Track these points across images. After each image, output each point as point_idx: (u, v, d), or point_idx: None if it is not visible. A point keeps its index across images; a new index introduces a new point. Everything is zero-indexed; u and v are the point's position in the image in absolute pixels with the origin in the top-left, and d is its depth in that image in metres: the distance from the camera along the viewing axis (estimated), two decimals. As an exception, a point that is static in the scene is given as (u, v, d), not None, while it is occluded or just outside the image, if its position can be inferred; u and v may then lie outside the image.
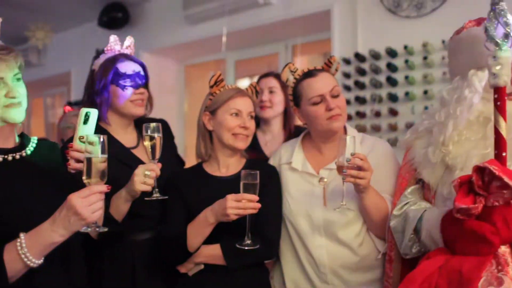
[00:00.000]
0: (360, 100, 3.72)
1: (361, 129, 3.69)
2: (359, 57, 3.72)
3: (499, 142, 1.39)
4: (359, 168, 1.73)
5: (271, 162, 2.14)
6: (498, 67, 1.37)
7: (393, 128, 3.57)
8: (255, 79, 2.98)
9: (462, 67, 1.66)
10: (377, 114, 3.64)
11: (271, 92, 2.69)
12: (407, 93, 3.51)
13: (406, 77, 3.51)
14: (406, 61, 3.51)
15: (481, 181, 1.35)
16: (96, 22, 5.20)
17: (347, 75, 3.82)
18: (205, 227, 1.82)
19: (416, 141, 1.79)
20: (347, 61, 3.81)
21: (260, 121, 2.75)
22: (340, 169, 1.75)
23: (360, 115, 3.73)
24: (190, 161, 2.28)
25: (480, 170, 1.34)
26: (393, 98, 3.57)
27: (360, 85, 3.74)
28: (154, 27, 5.15)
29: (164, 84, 5.39)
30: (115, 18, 5.11)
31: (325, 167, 1.99)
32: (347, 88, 3.81)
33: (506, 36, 1.38)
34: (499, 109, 1.38)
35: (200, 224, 1.83)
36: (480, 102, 1.58)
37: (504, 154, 1.38)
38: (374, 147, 2.00)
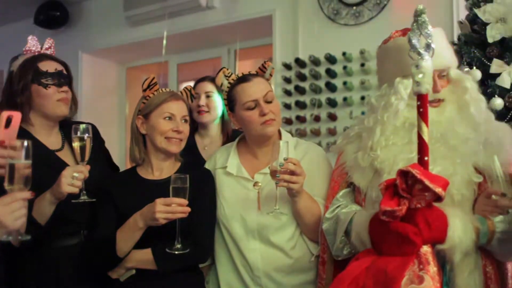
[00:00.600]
0: (300, 105, 3.78)
1: (301, 133, 3.75)
2: (299, 62, 3.79)
3: (421, 147, 1.44)
4: (292, 173, 1.76)
5: (207, 166, 2.13)
6: (420, 76, 1.42)
7: (332, 132, 3.65)
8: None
9: (389, 75, 1.72)
10: (317, 118, 3.72)
11: (208, 96, 2.68)
12: (345, 99, 3.60)
13: (345, 83, 3.60)
14: (345, 68, 3.60)
15: (405, 184, 1.40)
16: (33, 21, 5.00)
17: (287, 80, 3.87)
18: (134, 232, 1.79)
19: (348, 146, 1.84)
20: (288, 66, 3.87)
21: (198, 126, 2.74)
22: (273, 174, 1.77)
23: (300, 119, 3.79)
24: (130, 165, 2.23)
25: (403, 173, 1.39)
26: (332, 103, 3.65)
27: (300, 90, 3.80)
28: (94, 27, 5.01)
29: (104, 86, 5.26)
30: (53, 17, 4.92)
31: (259, 171, 2.01)
32: (288, 93, 3.86)
33: (427, 46, 1.44)
34: (422, 115, 1.44)
35: (130, 229, 1.80)
36: (406, 108, 1.65)
37: (426, 158, 1.44)
38: (307, 152, 2.04)
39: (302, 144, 2.09)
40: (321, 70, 3.72)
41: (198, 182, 1.93)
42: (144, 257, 1.84)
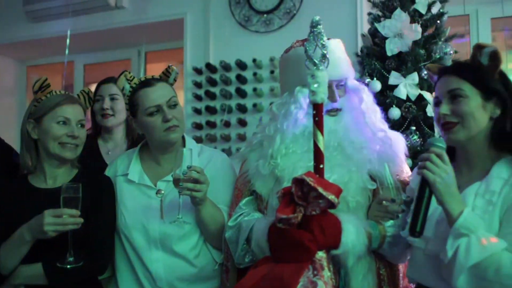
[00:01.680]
0: (211, 110, 3.77)
1: (211, 138, 3.73)
2: (210, 67, 3.77)
3: (317, 155, 1.48)
4: (196, 181, 1.72)
5: (107, 173, 2.03)
6: (315, 85, 1.46)
7: (242, 138, 3.67)
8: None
9: (290, 84, 1.75)
10: (227, 124, 3.72)
11: (112, 99, 2.57)
12: (255, 105, 3.64)
13: (255, 89, 3.64)
14: (255, 74, 3.64)
15: (301, 192, 1.43)
16: None
17: (198, 85, 3.84)
18: (21, 246, 1.66)
19: (251, 153, 1.84)
20: (198, 71, 3.84)
21: (101, 130, 2.63)
22: (176, 182, 1.72)
23: (210, 124, 3.77)
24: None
25: (299, 181, 1.42)
26: (242, 109, 3.67)
27: (210, 95, 3.78)
28: (-11, 21, 4.66)
29: (1, 84, 4.90)
30: None
31: (162, 179, 1.95)
32: (198, 97, 3.83)
33: (323, 56, 1.48)
34: (317, 124, 1.48)
35: (15, 242, 1.66)
36: (305, 117, 1.68)
37: (321, 166, 1.48)
38: (211, 159, 2.01)
39: (207, 151, 2.07)
40: (232, 75, 3.73)
41: (96, 190, 1.84)
42: (34, 273, 1.71)
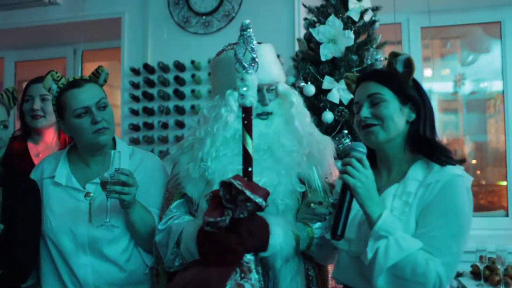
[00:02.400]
0: (148, 111, 3.71)
1: (148, 140, 3.67)
2: (148, 68, 3.71)
3: (246, 158, 1.48)
4: (124, 184, 1.69)
5: (33, 176, 1.95)
6: (245, 89, 1.47)
7: (179, 140, 3.59)
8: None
9: (221, 87, 1.76)
10: (165, 126, 3.67)
11: (43, 99, 2.46)
12: (193, 107, 3.61)
13: (193, 91, 3.61)
14: (193, 76, 3.62)
15: (229, 195, 1.43)
16: None
17: (135, 86, 3.77)
18: None
19: (182, 156, 1.82)
20: (136, 72, 3.76)
21: (31, 131, 2.52)
22: (104, 185, 1.68)
23: (148, 126, 3.70)
24: None
25: (227, 184, 1.42)
26: (180, 110, 3.64)
27: (148, 96, 3.72)
28: None
29: None
30: None
31: (92, 181, 1.90)
32: (135, 98, 3.76)
33: (252, 60, 1.49)
34: (246, 127, 1.48)
35: None
36: (236, 120, 1.69)
37: (250, 169, 1.48)
38: (143, 161, 1.98)
39: (138, 153, 2.03)
40: (170, 77, 3.69)
41: (20, 194, 1.76)
42: None
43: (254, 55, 1.49)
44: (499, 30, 3.73)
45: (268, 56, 1.77)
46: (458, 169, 1.43)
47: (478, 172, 4.31)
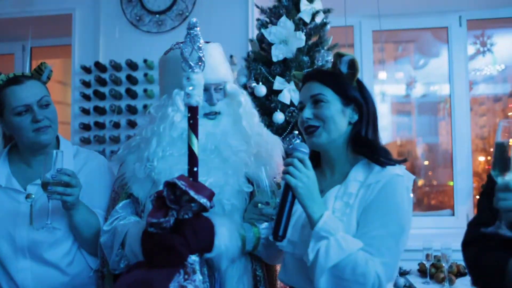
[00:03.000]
0: (99, 111, 3.62)
1: (99, 140, 3.59)
2: (99, 66, 3.62)
3: (191, 158, 1.46)
4: (66, 185, 1.64)
5: (-31, 177, 1.87)
6: (191, 88, 1.45)
7: (132, 140, 3.55)
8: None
9: (168, 86, 1.73)
10: (116, 125, 3.59)
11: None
12: (145, 106, 3.55)
13: (145, 90, 3.56)
14: (146, 75, 3.56)
15: (174, 196, 1.41)
16: None
17: (86, 84, 3.67)
18: None
19: (128, 156, 1.78)
20: (87, 70, 3.67)
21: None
22: (45, 186, 1.63)
23: (99, 125, 3.62)
24: None
25: (171, 185, 1.39)
26: (132, 110, 3.57)
27: (99, 95, 3.63)
28: None
29: None
30: None
31: (33, 182, 1.83)
32: (86, 97, 3.66)
33: (199, 59, 1.48)
34: (192, 127, 1.46)
35: None
36: (183, 120, 1.66)
37: (195, 169, 1.46)
38: (88, 161, 1.93)
39: (83, 153, 1.97)
40: (122, 76, 3.62)
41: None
42: None
43: (201, 54, 1.47)
44: (446, 35, 3.86)
45: (216, 55, 1.76)
46: (398, 169, 1.44)
47: (430, 173, 4.45)
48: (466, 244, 1.48)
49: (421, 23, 3.93)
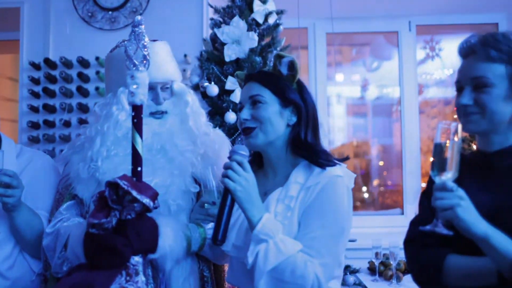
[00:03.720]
0: (49, 109, 3.51)
1: (49, 139, 3.48)
2: (49, 63, 3.51)
3: (135, 157, 1.45)
4: (7, 186, 1.59)
5: None
6: (135, 86, 1.43)
7: (83, 139, 3.47)
8: None
9: (114, 84, 1.70)
10: (67, 124, 3.49)
11: None
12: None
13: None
14: (98, 73, 3.48)
15: (116, 196, 1.38)
16: None
17: (35, 81, 3.55)
18: None
19: (73, 156, 1.74)
20: (36, 66, 3.55)
21: None
22: None
23: (49, 124, 3.51)
24: None
25: (113, 185, 1.37)
26: (83, 108, 3.48)
27: (49, 93, 3.52)
28: None
29: None
30: None
31: (-29, 182, 1.76)
32: (36, 95, 3.54)
33: (144, 57, 1.46)
34: (136, 126, 1.44)
35: None
36: (128, 119, 1.63)
37: (139, 169, 1.45)
38: (32, 161, 1.87)
39: (27, 152, 1.91)
40: (73, 73, 3.52)
41: None
42: None
43: (146, 53, 1.45)
44: (397, 39, 3.96)
45: (163, 54, 1.74)
46: (338, 170, 1.45)
47: (384, 173, 4.55)
48: (407, 242, 1.52)
49: (373, 27, 4.02)
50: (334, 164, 1.45)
